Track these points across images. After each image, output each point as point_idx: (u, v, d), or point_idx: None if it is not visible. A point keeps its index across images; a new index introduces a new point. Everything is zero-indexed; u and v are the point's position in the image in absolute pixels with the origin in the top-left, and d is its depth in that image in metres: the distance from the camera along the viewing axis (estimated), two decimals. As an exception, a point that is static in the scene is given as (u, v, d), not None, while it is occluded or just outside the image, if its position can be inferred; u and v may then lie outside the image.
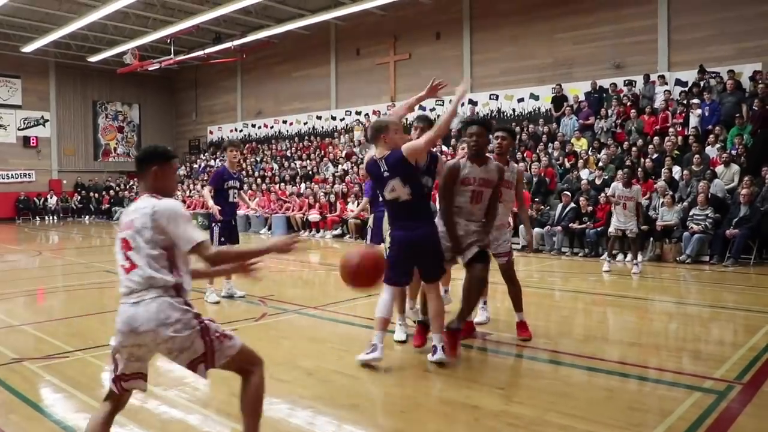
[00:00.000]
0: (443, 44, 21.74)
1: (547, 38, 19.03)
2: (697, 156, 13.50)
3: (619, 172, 11.01)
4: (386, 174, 4.94)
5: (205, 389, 4.75)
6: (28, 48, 25.83)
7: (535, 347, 5.71)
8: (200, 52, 26.30)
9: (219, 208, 8.09)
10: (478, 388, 4.48)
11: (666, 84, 16.35)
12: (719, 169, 13.24)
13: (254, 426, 3.07)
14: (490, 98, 20.44)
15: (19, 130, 29.15)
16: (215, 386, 4.79)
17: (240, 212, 20.25)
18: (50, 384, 4.89)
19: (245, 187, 20.96)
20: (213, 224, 8.30)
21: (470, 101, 20.63)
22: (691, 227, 12.10)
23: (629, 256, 11.60)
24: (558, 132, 17.62)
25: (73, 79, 30.41)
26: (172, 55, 25.44)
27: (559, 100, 18.41)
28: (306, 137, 25.84)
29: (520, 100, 19.79)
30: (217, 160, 25.75)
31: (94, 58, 27.62)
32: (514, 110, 19.83)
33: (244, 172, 23.97)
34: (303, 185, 20.91)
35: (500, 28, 20.10)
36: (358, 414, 4.16)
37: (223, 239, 8.20)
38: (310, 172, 22.26)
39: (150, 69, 27.19)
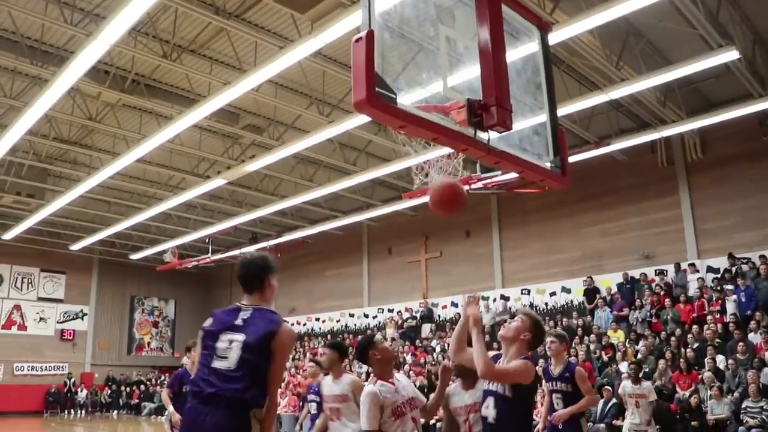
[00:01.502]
0: (473, 242, 22.27)
1: (574, 232, 19.44)
2: (741, 344, 13.16)
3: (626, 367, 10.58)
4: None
5: None
6: (76, 246, 27.04)
7: None
8: (236, 252, 27.17)
9: (178, 416, 6.90)
10: None
11: (698, 271, 16.35)
12: (767, 356, 12.79)
13: None
14: (522, 293, 20.49)
15: (58, 323, 29.73)
16: None
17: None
18: None
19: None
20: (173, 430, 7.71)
21: (502, 296, 20.70)
22: (746, 421, 11.43)
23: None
24: (593, 325, 17.42)
25: (114, 275, 31.42)
26: (209, 254, 26.32)
27: (591, 292, 18.40)
28: (339, 335, 25.80)
29: (552, 293, 19.81)
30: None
31: (135, 256, 28.67)
32: (546, 304, 19.78)
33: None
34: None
35: (528, 224, 20.65)
36: None
37: None
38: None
39: (188, 267, 28.00)
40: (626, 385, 10.33)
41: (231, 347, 3.49)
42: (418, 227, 23.67)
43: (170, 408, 7.55)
